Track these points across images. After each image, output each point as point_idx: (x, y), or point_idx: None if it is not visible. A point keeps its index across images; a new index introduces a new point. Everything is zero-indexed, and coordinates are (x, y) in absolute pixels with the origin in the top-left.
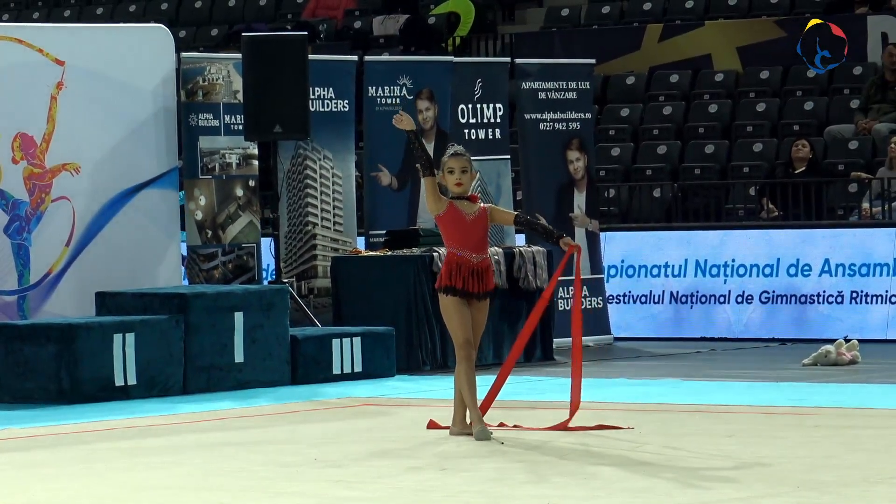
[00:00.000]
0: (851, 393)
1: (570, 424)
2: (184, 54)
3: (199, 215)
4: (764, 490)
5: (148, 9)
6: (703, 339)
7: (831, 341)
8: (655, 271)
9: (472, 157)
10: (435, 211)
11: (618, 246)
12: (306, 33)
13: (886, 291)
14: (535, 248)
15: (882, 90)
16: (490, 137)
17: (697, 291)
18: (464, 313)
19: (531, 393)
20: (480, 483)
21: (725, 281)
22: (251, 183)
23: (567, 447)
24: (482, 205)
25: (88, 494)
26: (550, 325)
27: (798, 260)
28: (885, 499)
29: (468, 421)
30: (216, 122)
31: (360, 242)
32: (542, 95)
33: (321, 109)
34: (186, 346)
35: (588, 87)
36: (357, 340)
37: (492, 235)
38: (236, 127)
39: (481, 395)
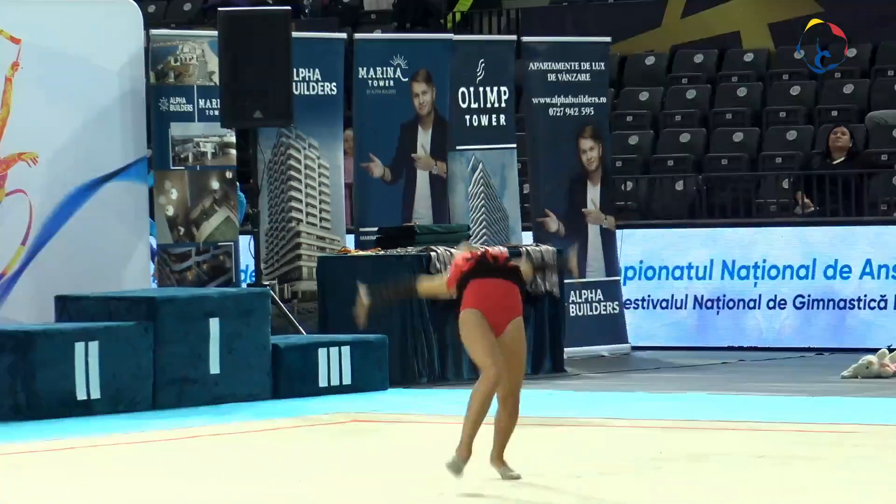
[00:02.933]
0: None
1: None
2: (153, 31)
3: (171, 210)
4: None
5: None
6: (730, 348)
7: (874, 351)
8: (678, 273)
9: (474, 147)
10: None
11: (636, 245)
12: (289, 8)
13: None
14: (544, 247)
15: None
16: (494, 124)
17: (724, 295)
18: (487, 332)
19: (529, 407)
20: None
21: (756, 284)
22: (228, 175)
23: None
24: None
25: None
26: (561, 336)
27: (836, 261)
28: None
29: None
30: (189, 107)
31: (350, 241)
32: (551, 77)
33: (306, 93)
34: (156, 357)
35: (603, 68)
36: (346, 350)
37: (495, 234)
38: (212, 112)
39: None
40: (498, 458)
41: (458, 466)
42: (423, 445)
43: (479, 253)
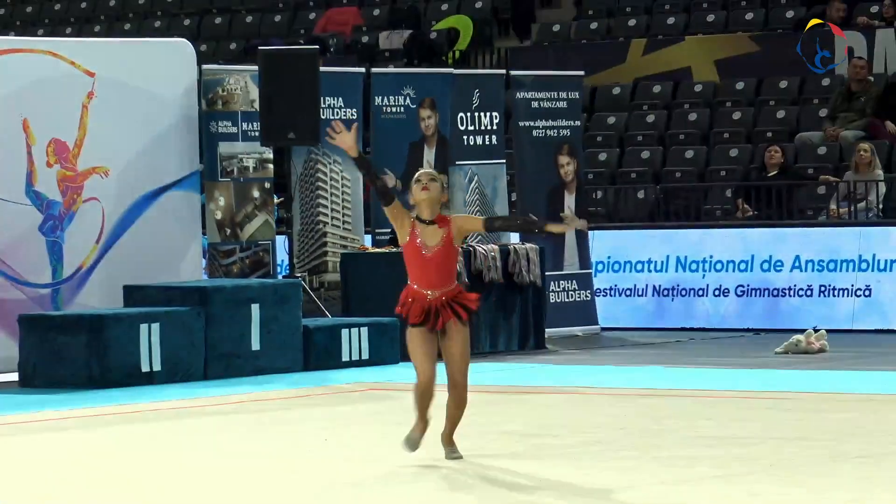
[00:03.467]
0: (821, 379)
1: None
2: (205, 66)
3: (219, 215)
4: (741, 469)
5: (172, 24)
6: (682, 329)
7: (801, 331)
8: (639, 267)
9: (471, 162)
10: (399, 241)
11: (605, 244)
12: (318, 47)
13: (852, 286)
14: (528, 245)
15: (848, 100)
16: (487, 143)
17: (678, 285)
18: (426, 343)
19: (516, 377)
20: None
21: (704, 276)
22: (266, 185)
23: (556, 428)
24: (448, 225)
25: (118, 473)
26: (543, 319)
27: (771, 256)
28: (851, 477)
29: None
30: (234, 129)
31: (367, 240)
32: (535, 105)
33: (331, 117)
34: (207, 336)
35: (577, 96)
36: (364, 330)
37: (487, 235)
38: (253, 133)
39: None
40: (447, 439)
41: (413, 441)
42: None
43: (416, 310)
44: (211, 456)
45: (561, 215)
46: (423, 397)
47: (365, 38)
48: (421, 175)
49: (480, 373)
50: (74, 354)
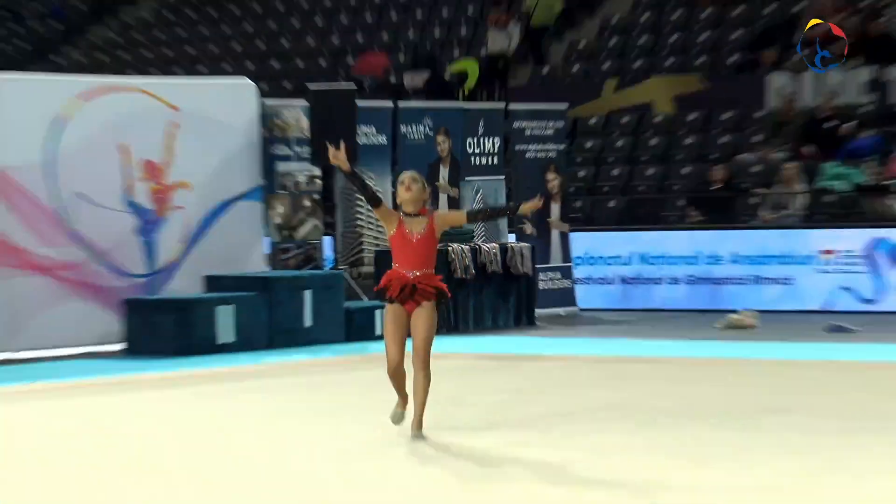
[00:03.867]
0: (752, 348)
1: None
2: (265, 101)
3: (278, 220)
4: (689, 419)
5: (238, 68)
6: (643, 310)
7: (736, 311)
8: (610, 261)
9: (477, 178)
10: (388, 234)
11: (583, 243)
12: (355, 86)
13: (777, 275)
14: (522, 244)
15: (778, 129)
16: (490, 163)
17: (640, 275)
18: (397, 326)
19: (513, 347)
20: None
21: (660, 268)
22: (315, 197)
23: (545, 386)
24: (431, 216)
25: (202, 418)
26: (533, 302)
27: (714, 253)
28: (774, 422)
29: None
30: (289, 152)
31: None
32: (528, 132)
33: (366, 142)
34: (270, 315)
35: (562, 125)
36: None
37: (489, 234)
38: (304, 155)
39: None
40: (415, 424)
41: (396, 416)
42: (441, 369)
43: (395, 287)
44: (274, 407)
45: (548, 220)
46: (395, 378)
47: (393, 79)
48: (404, 178)
49: (484, 343)
50: (165, 329)
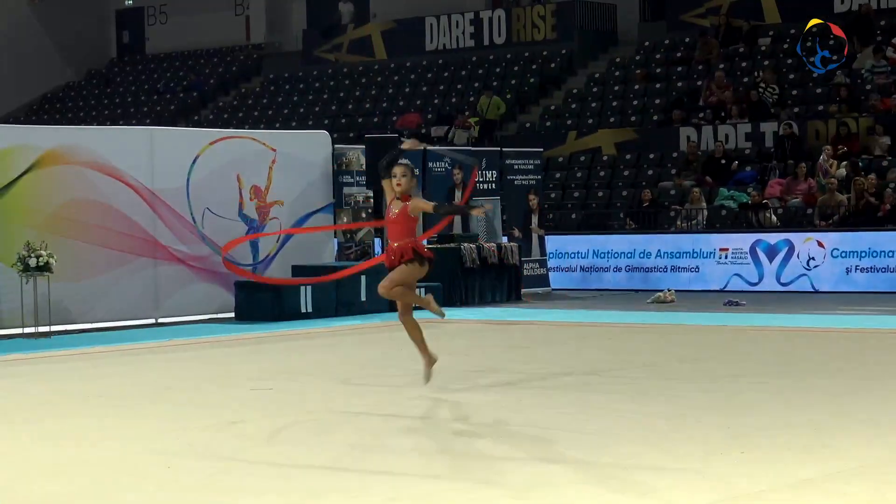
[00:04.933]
0: (671, 316)
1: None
2: (336, 146)
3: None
4: (626, 366)
5: (316, 123)
6: (596, 289)
7: (661, 290)
8: (573, 255)
9: (481, 198)
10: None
11: (554, 243)
12: (396, 135)
13: (689, 265)
14: (512, 243)
15: (687, 165)
16: (490, 188)
17: (593, 266)
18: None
19: (506, 315)
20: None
21: (608, 261)
22: (369, 210)
23: (528, 342)
24: (408, 201)
25: (292, 362)
26: (520, 283)
27: (645, 250)
28: (687, 368)
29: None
30: (351, 180)
31: (424, 242)
32: (515, 167)
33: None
34: (337, 293)
35: (539, 162)
36: (422, 289)
37: (489, 237)
38: (361, 182)
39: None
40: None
41: (425, 376)
42: (456, 330)
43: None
44: (339, 357)
45: (530, 227)
46: (402, 319)
47: (423, 130)
48: (395, 171)
49: (486, 313)
50: (264, 303)
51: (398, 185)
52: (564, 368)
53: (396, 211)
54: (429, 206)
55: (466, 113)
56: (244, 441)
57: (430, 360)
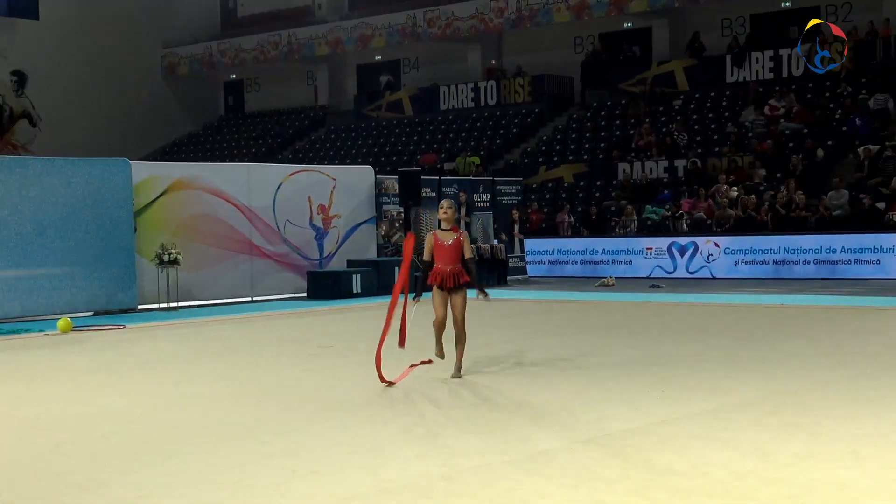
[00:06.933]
0: (612, 296)
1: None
2: (377, 176)
3: (383, 231)
4: (580, 330)
5: (363, 160)
6: (560, 277)
7: (604, 277)
8: (543, 252)
9: (478, 213)
10: (426, 252)
11: (530, 244)
12: (420, 169)
13: (624, 259)
14: (500, 244)
15: (623, 189)
16: (484, 206)
17: (558, 259)
18: (442, 298)
19: (497, 294)
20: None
21: (569, 256)
22: (400, 220)
23: (512, 313)
24: (460, 234)
25: (350, 327)
26: (506, 271)
27: (593, 249)
28: (614, 332)
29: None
30: (389, 200)
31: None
32: (503, 190)
33: (425, 196)
34: (378, 279)
35: (520, 187)
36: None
37: (484, 239)
38: (395, 202)
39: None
40: (455, 371)
41: (439, 356)
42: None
43: (438, 277)
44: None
45: (513, 233)
46: (438, 328)
47: (438, 165)
48: (443, 203)
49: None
50: (328, 286)
51: (445, 213)
52: (536, 332)
53: (451, 241)
54: (469, 253)
55: (468, 153)
56: (318, 379)
57: (440, 354)
